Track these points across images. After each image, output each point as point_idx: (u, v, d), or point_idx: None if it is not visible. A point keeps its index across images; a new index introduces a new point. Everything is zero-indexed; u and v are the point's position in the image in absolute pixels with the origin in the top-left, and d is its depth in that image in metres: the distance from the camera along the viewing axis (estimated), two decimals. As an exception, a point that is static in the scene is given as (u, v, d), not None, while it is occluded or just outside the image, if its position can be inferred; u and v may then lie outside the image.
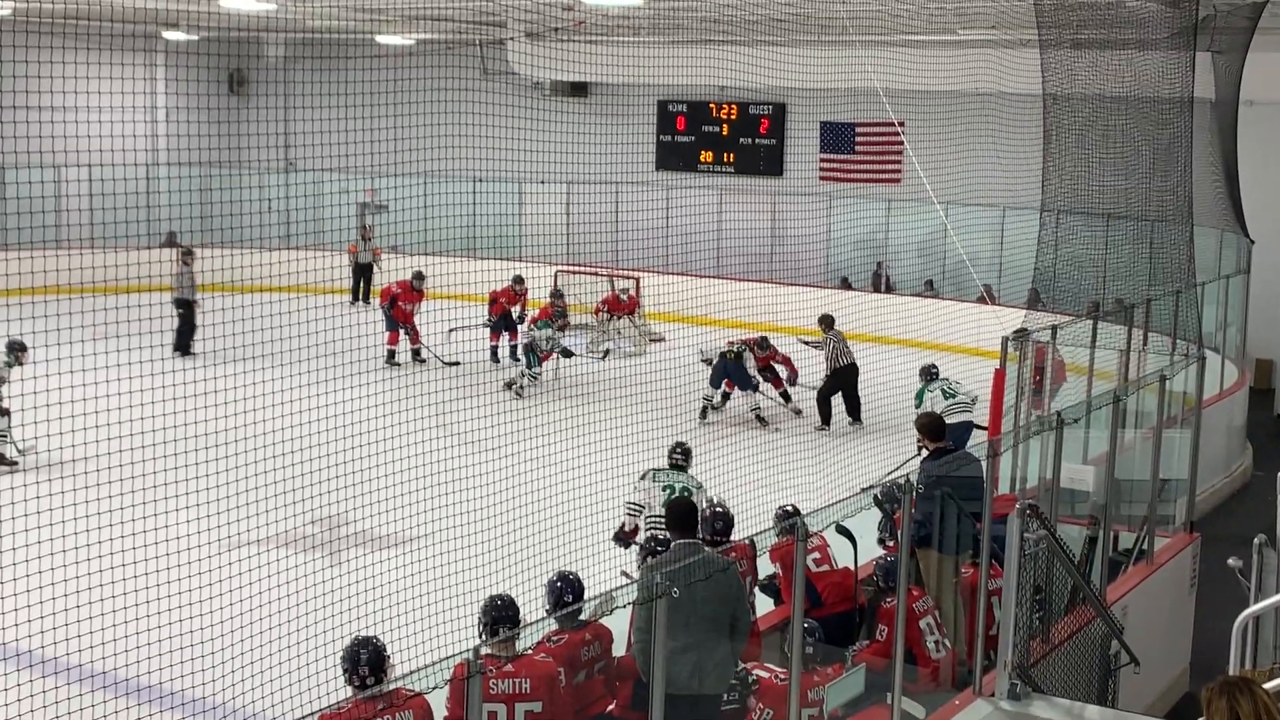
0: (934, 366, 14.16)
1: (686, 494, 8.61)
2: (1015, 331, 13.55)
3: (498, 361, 18.83)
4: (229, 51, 26.27)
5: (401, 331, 18.95)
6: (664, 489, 8.84)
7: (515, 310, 19.24)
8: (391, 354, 18.86)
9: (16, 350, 13.44)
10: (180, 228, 23.35)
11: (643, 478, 9.08)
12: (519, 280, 19.38)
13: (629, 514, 9.00)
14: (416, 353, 19.01)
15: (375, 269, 23.91)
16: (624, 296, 20.14)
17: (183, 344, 18.66)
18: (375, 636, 5.79)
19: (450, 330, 17.57)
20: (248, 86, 27.03)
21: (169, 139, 25.16)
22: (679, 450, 9.24)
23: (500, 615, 5.94)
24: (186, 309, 18.89)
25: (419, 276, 18.89)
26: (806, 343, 16.16)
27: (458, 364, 17.90)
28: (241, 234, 20.07)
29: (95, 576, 8.08)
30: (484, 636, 5.86)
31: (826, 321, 15.77)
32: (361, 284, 23.87)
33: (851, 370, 15.61)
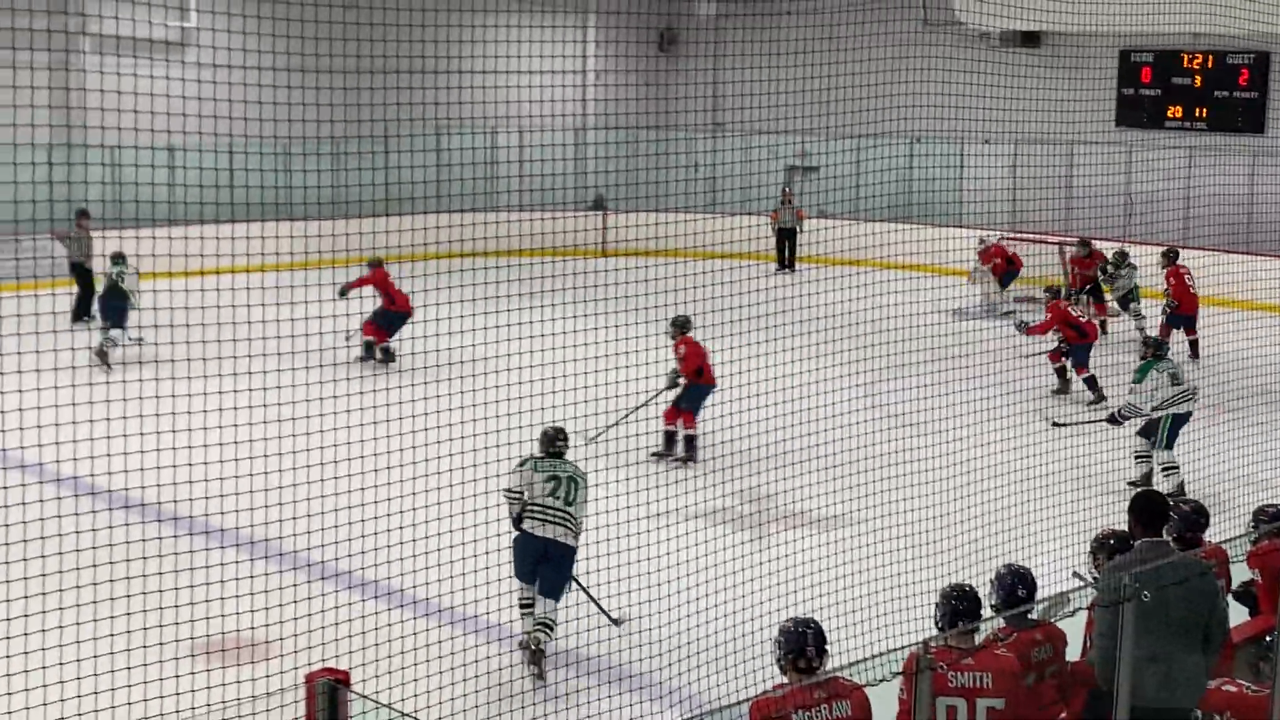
0: (1162, 341, 12.94)
1: (573, 483, 8.42)
2: None
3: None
4: (661, 9, 27.23)
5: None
6: (547, 479, 8.41)
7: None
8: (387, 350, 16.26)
9: (120, 262, 15.76)
10: (607, 192, 24.50)
11: (521, 465, 8.60)
12: (1085, 244, 18.52)
13: (509, 500, 8.54)
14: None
15: (798, 232, 24.27)
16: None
17: (80, 313, 17.66)
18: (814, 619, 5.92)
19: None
20: (677, 46, 27.93)
21: (598, 103, 26.35)
22: (561, 437, 8.74)
23: (962, 607, 6.01)
24: (84, 275, 18.14)
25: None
26: None
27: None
28: (668, 200, 20.83)
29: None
30: (942, 626, 5.94)
31: None
32: (786, 248, 24.35)
33: None
